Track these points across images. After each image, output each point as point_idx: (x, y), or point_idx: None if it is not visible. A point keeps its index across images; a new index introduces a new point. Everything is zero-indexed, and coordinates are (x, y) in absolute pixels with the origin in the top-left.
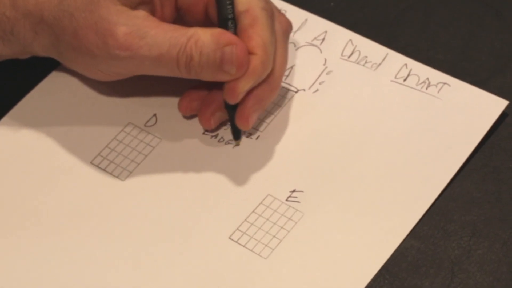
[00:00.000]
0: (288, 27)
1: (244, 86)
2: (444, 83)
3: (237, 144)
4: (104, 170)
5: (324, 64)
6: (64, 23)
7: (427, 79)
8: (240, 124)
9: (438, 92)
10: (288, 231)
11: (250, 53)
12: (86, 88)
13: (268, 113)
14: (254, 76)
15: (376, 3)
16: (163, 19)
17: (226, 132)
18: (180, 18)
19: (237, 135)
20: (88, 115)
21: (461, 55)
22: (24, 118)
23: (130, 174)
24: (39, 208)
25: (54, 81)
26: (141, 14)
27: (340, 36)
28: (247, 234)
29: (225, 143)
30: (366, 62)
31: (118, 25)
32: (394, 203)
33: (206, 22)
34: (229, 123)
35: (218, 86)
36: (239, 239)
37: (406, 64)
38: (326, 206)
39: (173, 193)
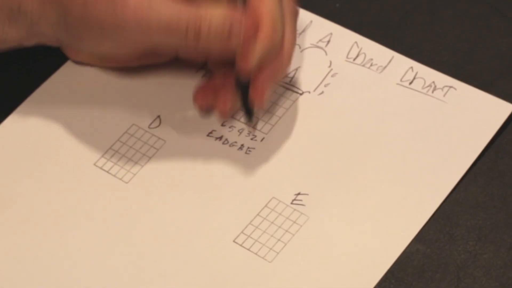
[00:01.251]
0: (296, 9)
1: (255, 53)
2: (450, 87)
3: (253, 128)
4: (107, 172)
5: (329, 67)
6: None
7: (433, 82)
8: (255, 99)
9: (444, 95)
10: (293, 235)
11: (259, 23)
12: (89, 90)
13: (273, 115)
14: (264, 43)
15: (382, 5)
16: None
17: (230, 134)
18: None
19: (249, 116)
20: (92, 117)
21: (467, 57)
22: (27, 120)
23: (134, 176)
24: (42, 210)
25: (57, 82)
26: None
27: (345, 38)
28: (251, 238)
29: (230, 145)
30: (371, 65)
31: None
32: (400, 207)
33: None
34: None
35: (228, 76)
36: (243, 242)
37: (412, 67)
38: (331, 209)
39: (177, 196)
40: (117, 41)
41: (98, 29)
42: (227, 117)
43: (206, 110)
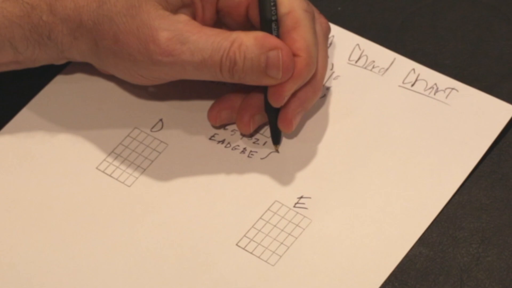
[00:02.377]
0: (327, 28)
1: (289, 89)
2: (452, 89)
3: (276, 150)
4: (110, 175)
5: (332, 69)
6: (104, 28)
7: (435, 84)
8: (283, 127)
9: (446, 97)
10: (296, 238)
11: (294, 55)
12: (91, 94)
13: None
14: (300, 79)
15: (384, 8)
16: (204, 22)
17: (232, 137)
18: (220, 20)
19: (276, 139)
20: (94, 120)
21: (469, 60)
22: (30, 124)
23: (136, 179)
24: (45, 214)
25: (59, 86)
26: (183, 18)
27: (347, 41)
28: (254, 241)
29: (232, 149)
30: (373, 67)
31: (160, 30)
32: (403, 210)
33: (246, 25)
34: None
35: (254, 90)
36: (246, 245)
37: (414, 69)
38: (333, 212)
39: (180, 199)
40: (148, 74)
41: (129, 63)
42: (249, 133)
43: (219, 126)
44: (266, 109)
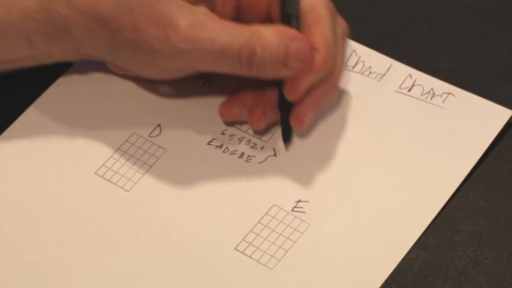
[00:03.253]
0: (346, 30)
1: (306, 82)
2: (449, 93)
3: (287, 148)
4: (108, 180)
5: None
6: (124, 19)
7: (432, 89)
8: (295, 124)
9: (443, 102)
10: (294, 242)
11: (313, 50)
12: (89, 99)
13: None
14: (317, 73)
15: (380, 13)
16: (223, 16)
17: (230, 142)
18: (240, 17)
19: (287, 137)
20: (92, 125)
21: (466, 64)
22: (28, 129)
23: (135, 184)
24: (43, 219)
25: (57, 91)
26: (202, 9)
27: None
28: (253, 245)
29: (230, 154)
30: (370, 73)
31: (179, 18)
32: (400, 213)
33: (266, 22)
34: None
35: (267, 88)
36: (245, 249)
37: (410, 75)
38: (331, 216)
39: (178, 204)
40: (167, 65)
41: (147, 53)
42: (260, 129)
43: (230, 123)
44: (279, 106)
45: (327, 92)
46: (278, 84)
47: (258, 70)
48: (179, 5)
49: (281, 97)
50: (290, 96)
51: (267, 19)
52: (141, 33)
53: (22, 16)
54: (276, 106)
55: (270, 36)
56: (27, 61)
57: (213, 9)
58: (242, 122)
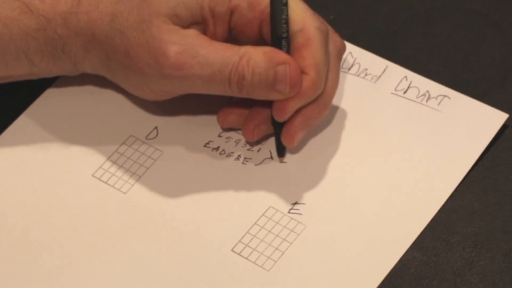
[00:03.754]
0: (341, 47)
1: (294, 105)
2: (444, 96)
3: (281, 161)
4: (106, 183)
5: None
6: (115, 42)
7: (427, 91)
8: (285, 142)
9: (438, 104)
10: (291, 243)
11: (302, 73)
12: (87, 101)
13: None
14: (305, 96)
15: (376, 16)
16: (215, 38)
17: (227, 144)
18: (233, 37)
19: (281, 152)
20: (90, 128)
21: (461, 67)
22: (26, 132)
23: (132, 186)
24: (41, 221)
25: (55, 94)
26: (192, 32)
27: None
28: (249, 246)
29: (227, 156)
30: (366, 75)
31: (169, 44)
32: (396, 215)
33: (259, 42)
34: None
35: (263, 100)
36: (241, 251)
37: (406, 77)
38: (328, 218)
39: (175, 206)
40: (158, 88)
41: (139, 76)
42: (253, 141)
43: (227, 129)
44: (272, 122)
45: (317, 112)
46: (272, 102)
47: (248, 93)
48: (170, 29)
49: (272, 118)
50: (277, 117)
51: (260, 39)
52: (132, 57)
53: (22, 35)
54: (270, 121)
55: (259, 60)
56: (26, 77)
57: (205, 30)
58: (238, 129)
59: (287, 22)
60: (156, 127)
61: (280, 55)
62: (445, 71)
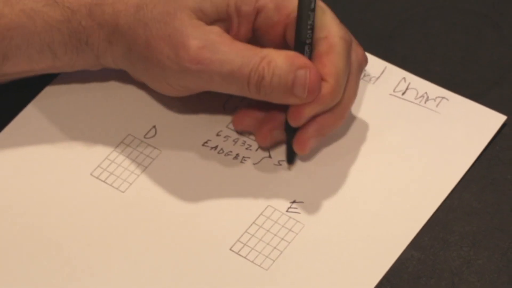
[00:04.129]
0: (363, 60)
1: (310, 112)
2: (443, 98)
3: (290, 169)
4: (104, 181)
5: None
6: (138, 33)
7: (426, 93)
8: (297, 148)
9: (437, 106)
10: (289, 242)
11: (322, 80)
12: (85, 100)
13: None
14: (322, 104)
15: (374, 16)
16: (237, 37)
17: (225, 143)
18: (256, 39)
19: (291, 158)
20: (88, 127)
21: (460, 67)
22: (24, 131)
23: (130, 185)
24: (39, 220)
25: (53, 93)
26: (216, 29)
27: None
28: (248, 246)
29: (225, 155)
30: (364, 76)
31: (191, 38)
32: (395, 214)
33: (282, 45)
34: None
35: (279, 105)
36: (240, 250)
37: (404, 78)
38: (326, 217)
39: (173, 205)
40: (176, 83)
41: (158, 69)
42: (265, 146)
43: (241, 132)
44: (285, 127)
45: (333, 121)
46: (287, 107)
47: (265, 94)
48: (193, 24)
49: (287, 120)
50: (292, 122)
51: (283, 43)
52: (153, 49)
53: (46, 27)
54: (283, 127)
55: (280, 62)
56: (48, 71)
57: (228, 29)
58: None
59: (312, 27)
60: (154, 126)
61: (301, 59)
62: (444, 71)
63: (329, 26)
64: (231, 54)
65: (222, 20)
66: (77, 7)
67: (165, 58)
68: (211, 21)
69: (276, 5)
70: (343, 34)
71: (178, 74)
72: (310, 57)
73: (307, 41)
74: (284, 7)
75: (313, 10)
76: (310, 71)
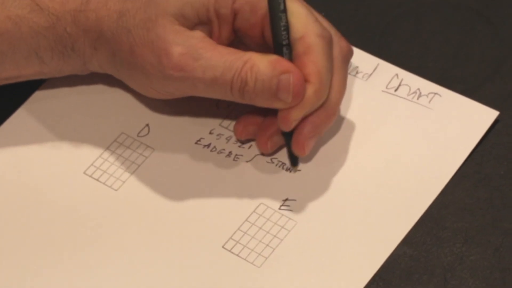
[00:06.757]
0: (348, 52)
1: (297, 115)
2: (435, 94)
3: (294, 171)
4: (97, 180)
5: None
6: (122, 39)
7: (418, 89)
8: (296, 151)
9: (429, 102)
10: (281, 240)
11: (305, 81)
12: (77, 100)
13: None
14: (308, 105)
15: (367, 12)
16: (220, 40)
17: (218, 141)
18: (239, 40)
19: (294, 161)
20: (81, 125)
21: (452, 62)
22: (18, 130)
23: (123, 183)
24: (32, 219)
25: (44, 96)
26: (198, 34)
27: None
28: (240, 243)
29: (218, 153)
30: (357, 72)
31: (173, 44)
32: (387, 211)
33: (264, 45)
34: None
35: (275, 110)
36: (232, 248)
37: (397, 74)
38: (318, 214)
39: (166, 203)
40: (160, 88)
41: (143, 76)
42: (267, 153)
43: (245, 140)
44: (282, 132)
45: (325, 118)
46: (277, 118)
47: (250, 99)
48: (175, 30)
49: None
50: (282, 127)
51: (265, 43)
52: (137, 55)
53: (32, 33)
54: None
55: (263, 67)
56: (36, 76)
57: (210, 32)
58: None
59: (287, 29)
60: (147, 124)
61: (284, 63)
62: (436, 66)
63: (305, 25)
64: (213, 59)
65: (204, 23)
66: (62, 14)
67: (148, 65)
68: (192, 26)
69: (252, 7)
70: (320, 31)
71: (162, 81)
72: (290, 58)
73: (284, 43)
74: (259, 8)
75: (284, 11)
76: (294, 75)
